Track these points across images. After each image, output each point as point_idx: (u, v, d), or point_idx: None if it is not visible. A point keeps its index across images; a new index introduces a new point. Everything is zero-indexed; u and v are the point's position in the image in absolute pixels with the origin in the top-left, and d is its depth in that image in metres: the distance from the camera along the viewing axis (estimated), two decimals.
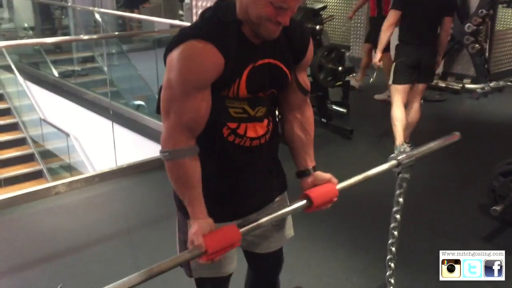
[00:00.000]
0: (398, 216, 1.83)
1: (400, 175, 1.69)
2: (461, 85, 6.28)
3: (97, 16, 7.35)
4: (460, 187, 3.67)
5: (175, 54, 1.24)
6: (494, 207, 2.87)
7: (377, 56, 4.02)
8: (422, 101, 4.26)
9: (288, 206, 1.49)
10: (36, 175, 7.19)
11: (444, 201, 3.43)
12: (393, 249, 1.90)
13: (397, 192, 1.78)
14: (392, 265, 1.94)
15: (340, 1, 9.05)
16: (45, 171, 7.09)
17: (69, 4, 8.80)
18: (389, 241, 1.89)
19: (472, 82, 6.39)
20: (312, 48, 1.46)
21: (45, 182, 6.61)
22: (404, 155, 1.61)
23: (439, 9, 3.76)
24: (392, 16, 3.86)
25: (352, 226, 3.10)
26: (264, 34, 1.28)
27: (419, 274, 2.57)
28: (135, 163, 3.93)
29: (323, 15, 4.91)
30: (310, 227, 2.95)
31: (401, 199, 1.80)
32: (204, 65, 1.23)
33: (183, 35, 1.26)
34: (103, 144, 5.44)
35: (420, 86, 4.00)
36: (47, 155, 7.36)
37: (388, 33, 3.91)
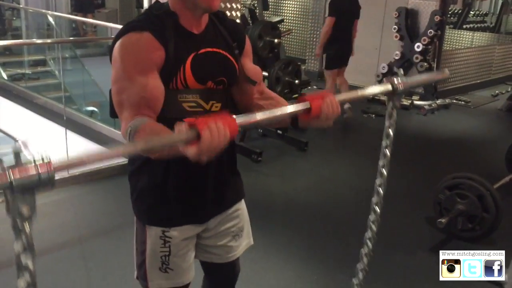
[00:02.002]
0: (388, 152, 1.60)
1: (391, 103, 1.51)
2: (410, 102, 6.55)
3: (51, 19, 7.17)
4: (408, 200, 3.81)
5: (116, 48, 1.29)
6: (440, 220, 3.01)
7: (318, 50, 5.53)
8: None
9: (246, 215, 1.54)
10: None
11: (392, 213, 3.54)
12: (374, 227, 1.68)
13: (387, 123, 1.57)
14: (370, 243, 1.72)
15: (296, 15, 9.23)
16: None
17: (22, 6, 8.52)
18: (374, 200, 1.69)
19: (421, 99, 6.67)
20: (249, 40, 1.53)
21: None
22: (400, 81, 1.45)
23: (353, 14, 5.40)
24: (329, 21, 5.25)
25: (306, 236, 3.16)
26: (204, 5, 1.30)
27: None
28: (87, 171, 3.83)
29: (281, 29, 5.01)
30: (264, 237, 2.99)
31: (391, 131, 1.58)
32: (143, 49, 1.27)
33: (121, 31, 1.31)
34: (53, 151, 5.28)
35: (344, 68, 5.64)
36: None
37: (328, 35, 5.30)
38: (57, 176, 3.16)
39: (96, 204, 3.56)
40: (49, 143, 5.57)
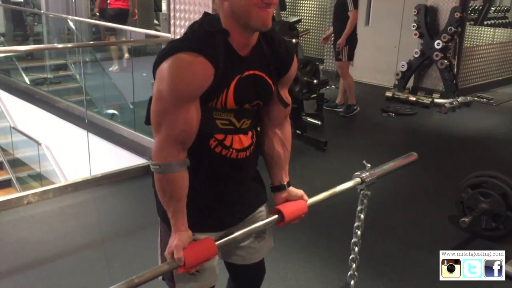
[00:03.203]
0: (359, 232, 1.89)
1: (362, 192, 1.76)
2: (431, 100, 6.47)
3: (71, 24, 7.29)
4: (430, 199, 3.77)
5: (165, 66, 1.25)
6: (463, 219, 2.97)
7: (342, 40, 5.44)
8: None
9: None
10: (4, 184, 7.02)
11: (414, 213, 3.51)
12: (354, 265, 1.96)
13: (359, 208, 1.85)
14: (352, 283, 2.01)
15: (314, 15, 9.20)
16: (14, 180, 6.93)
17: (43, 11, 8.68)
18: (350, 256, 1.97)
19: (441, 97, 6.58)
20: (296, 65, 1.49)
21: (14, 191, 6.47)
22: (367, 173, 1.71)
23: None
24: (355, 14, 5.41)
25: (326, 236, 3.15)
26: (257, 24, 1.28)
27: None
28: (109, 173, 3.89)
29: (299, 29, 5.00)
30: (284, 238, 2.99)
31: (362, 215, 1.86)
32: (195, 77, 1.24)
33: (173, 48, 1.27)
34: (75, 153, 5.37)
35: None
36: (16, 164, 7.20)
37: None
38: (79, 179, 3.21)
39: (119, 205, 3.60)
40: (72, 146, 5.66)
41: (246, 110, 1.41)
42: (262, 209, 1.60)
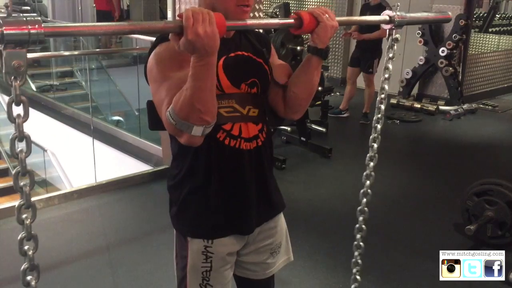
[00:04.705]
0: (382, 107, 1.66)
1: (391, 36, 1.55)
2: (436, 107, 6.46)
3: None
4: (435, 207, 3.75)
5: (149, 61, 1.32)
6: (468, 227, 2.96)
7: (360, 36, 5.56)
8: None
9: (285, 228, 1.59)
10: (9, 191, 7.04)
11: (419, 220, 3.50)
12: (372, 164, 1.72)
13: (386, 57, 1.66)
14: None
15: None
16: None
17: (49, 19, 8.76)
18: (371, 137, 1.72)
19: (446, 104, 6.58)
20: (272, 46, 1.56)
21: (19, 197, 6.48)
22: (398, 14, 1.49)
23: None
24: None
25: (330, 243, 3.14)
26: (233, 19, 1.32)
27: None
28: (114, 179, 3.90)
29: (304, 36, 5.01)
30: None
31: (390, 65, 1.69)
32: (174, 51, 1.21)
33: (151, 47, 1.35)
34: (81, 160, 5.39)
35: None
36: None
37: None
38: (84, 186, 3.21)
39: (124, 212, 3.61)
40: (77, 152, 5.68)
41: (247, 96, 1.38)
42: (279, 222, 1.58)
